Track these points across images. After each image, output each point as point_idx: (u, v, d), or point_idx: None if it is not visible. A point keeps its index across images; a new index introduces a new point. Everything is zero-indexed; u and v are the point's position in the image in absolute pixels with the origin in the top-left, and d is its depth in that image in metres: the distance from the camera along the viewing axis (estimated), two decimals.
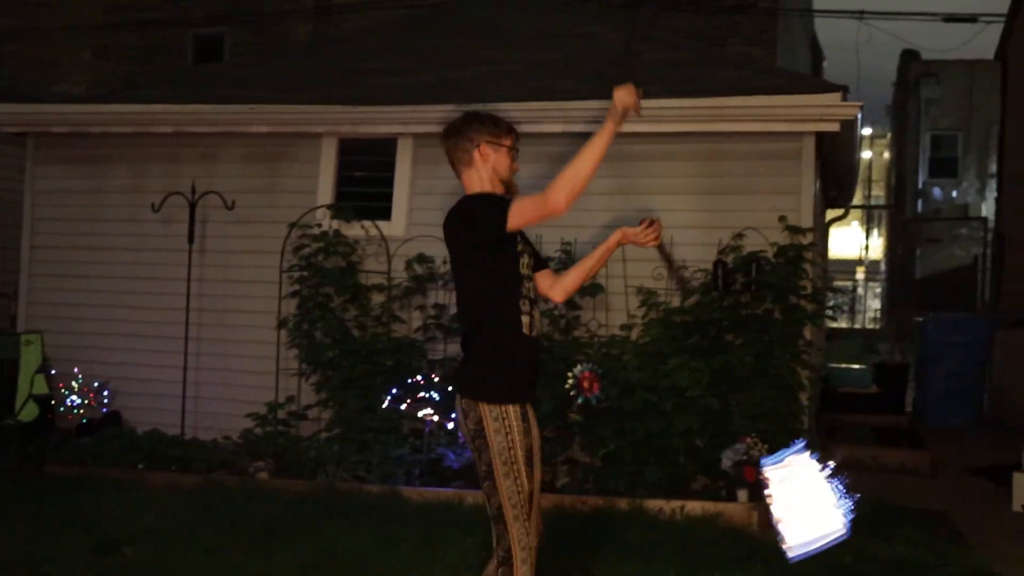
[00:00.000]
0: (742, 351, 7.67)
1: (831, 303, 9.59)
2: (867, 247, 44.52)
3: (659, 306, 8.01)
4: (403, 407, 8.01)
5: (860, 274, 43.68)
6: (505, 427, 3.79)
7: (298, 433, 8.49)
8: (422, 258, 8.57)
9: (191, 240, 8.92)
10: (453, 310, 8.34)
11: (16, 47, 20.40)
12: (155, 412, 9.08)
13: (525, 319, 3.90)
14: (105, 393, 9.26)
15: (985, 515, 7.48)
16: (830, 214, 13.56)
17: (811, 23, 25.65)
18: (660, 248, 4.20)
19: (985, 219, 25.89)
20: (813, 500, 3.83)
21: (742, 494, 7.08)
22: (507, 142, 4.06)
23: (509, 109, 7.37)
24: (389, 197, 8.99)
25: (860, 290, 41.83)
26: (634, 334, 8.07)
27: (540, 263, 4.17)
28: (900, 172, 37.03)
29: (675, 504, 6.99)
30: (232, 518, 6.59)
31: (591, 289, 7.91)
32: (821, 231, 10.94)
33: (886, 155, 45.13)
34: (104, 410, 9.23)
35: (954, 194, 33.77)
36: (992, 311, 15.92)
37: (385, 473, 7.68)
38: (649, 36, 11.01)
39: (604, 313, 8.28)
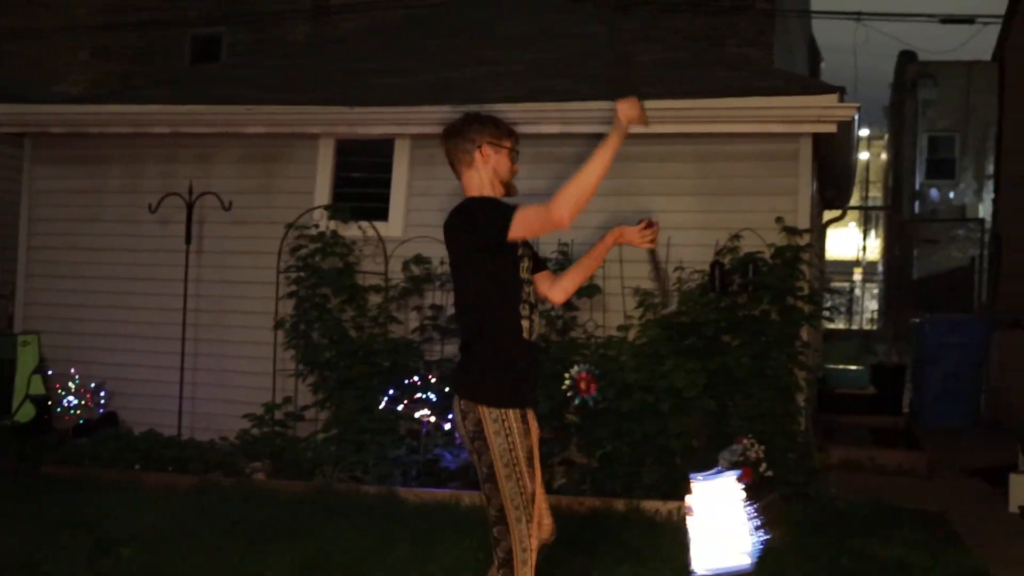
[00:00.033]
0: (739, 352, 7.67)
1: (828, 304, 9.59)
2: (864, 248, 44.57)
3: (656, 307, 8.01)
4: (400, 408, 8.01)
5: (857, 275, 43.71)
6: (505, 429, 3.79)
7: (295, 434, 8.49)
8: (419, 259, 8.57)
9: (188, 241, 8.92)
10: (450, 311, 8.35)
11: (14, 47, 20.39)
12: (152, 413, 9.07)
13: (525, 323, 3.90)
14: (102, 394, 9.26)
15: (982, 516, 7.48)
16: (827, 215, 13.57)
17: (809, 24, 25.67)
18: (653, 252, 4.21)
19: (982, 220, 25.92)
20: (729, 528, 3.90)
21: None
22: (507, 143, 4.06)
23: (507, 110, 7.37)
24: (386, 198, 9.00)
25: (857, 291, 41.85)
26: (631, 335, 8.07)
27: (539, 265, 4.16)
28: (897, 173, 37.05)
29: (672, 505, 6.99)
30: (229, 519, 6.59)
31: (588, 290, 7.91)
32: (818, 232, 10.95)
33: (883, 156, 45.16)
34: (101, 411, 9.22)
35: (951, 195, 33.79)
36: (989, 312, 15.93)
37: (382, 474, 7.68)
38: (649, 36, 11.02)
39: (601, 314, 8.28)
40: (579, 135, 8.39)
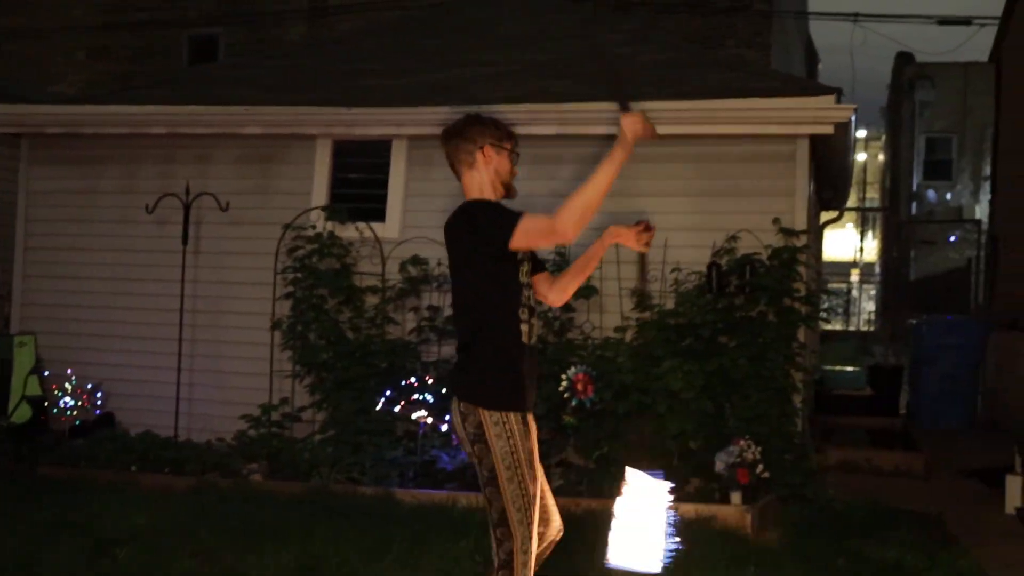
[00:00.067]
0: (736, 353, 7.67)
1: (825, 305, 9.60)
2: (862, 249, 44.62)
3: (653, 308, 8.01)
4: (397, 409, 8.00)
5: (855, 276, 43.75)
6: (506, 431, 3.78)
7: (292, 435, 8.48)
8: (416, 260, 8.57)
9: (185, 241, 8.91)
10: (447, 312, 8.34)
11: (11, 47, 20.37)
12: (149, 414, 9.06)
13: (524, 327, 3.90)
14: (98, 395, 9.25)
15: (978, 517, 7.48)
16: (824, 216, 13.57)
17: (806, 25, 25.68)
18: (644, 255, 4.21)
19: (979, 221, 25.94)
20: (648, 529, 3.99)
21: (735, 496, 7.07)
22: (508, 145, 4.06)
23: (504, 111, 7.36)
24: (383, 199, 9.00)
25: (854, 292, 41.88)
26: (628, 336, 8.07)
27: (538, 266, 4.15)
28: (894, 174, 37.10)
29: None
30: (226, 520, 6.58)
31: (585, 291, 7.91)
32: (815, 233, 10.95)
33: (881, 157, 45.21)
34: (97, 412, 9.22)
35: (948, 196, 33.84)
36: (986, 313, 15.95)
37: (379, 475, 7.68)
38: (646, 37, 11.02)
39: (598, 315, 8.28)
40: (576, 136, 8.39)
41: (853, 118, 8.34)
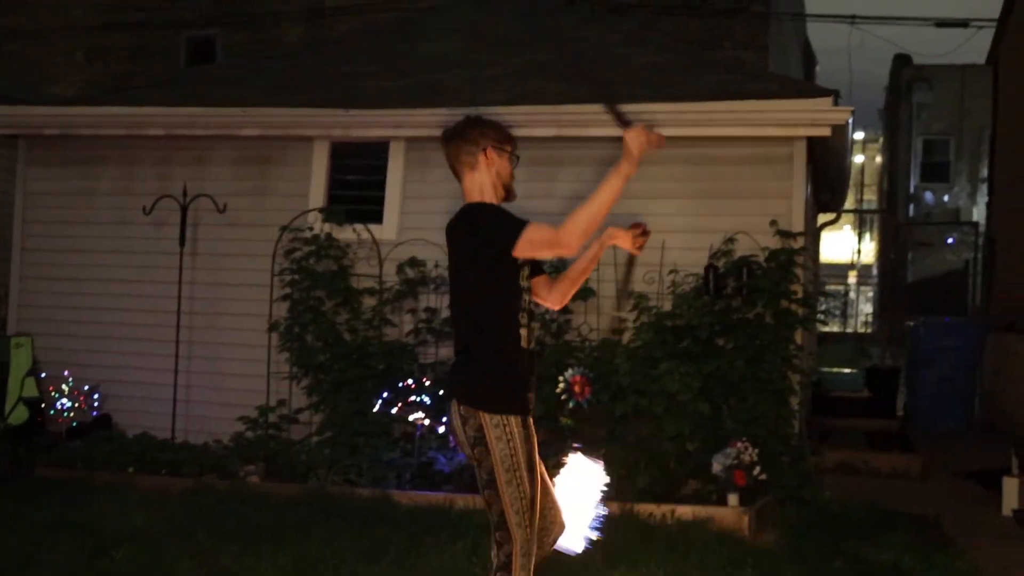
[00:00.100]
0: (733, 355, 7.67)
1: (822, 307, 9.61)
2: (859, 251, 44.62)
3: (651, 310, 8.01)
4: (394, 411, 8.00)
5: (852, 278, 43.74)
6: (507, 434, 3.78)
7: (289, 437, 8.48)
8: (414, 262, 8.57)
9: (182, 243, 8.91)
10: (445, 314, 8.34)
11: (8, 48, 20.36)
12: (146, 415, 9.06)
13: (523, 332, 3.90)
14: (95, 396, 9.24)
15: (975, 519, 7.49)
16: (822, 218, 13.58)
17: (803, 27, 25.70)
18: (634, 257, 4.22)
19: (976, 224, 25.96)
20: (579, 509, 4.16)
21: (733, 498, 7.08)
22: (509, 147, 4.07)
23: (502, 112, 7.37)
24: (381, 200, 9.00)
25: (852, 294, 41.88)
26: (625, 338, 8.07)
27: (537, 269, 4.15)
28: (892, 176, 37.12)
29: (666, 508, 6.99)
30: (223, 522, 6.58)
31: (582, 293, 7.90)
32: (812, 235, 10.96)
33: (878, 159, 45.23)
34: (94, 413, 9.21)
35: (946, 198, 33.86)
36: (983, 315, 15.96)
37: (376, 477, 7.67)
38: (644, 39, 11.02)
39: (595, 317, 8.28)
40: (573, 138, 8.39)
41: (850, 120, 8.35)
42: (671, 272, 8.08)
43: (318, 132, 9.12)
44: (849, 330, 33.29)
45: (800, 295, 7.98)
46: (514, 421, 3.80)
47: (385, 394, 8.05)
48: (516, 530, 3.78)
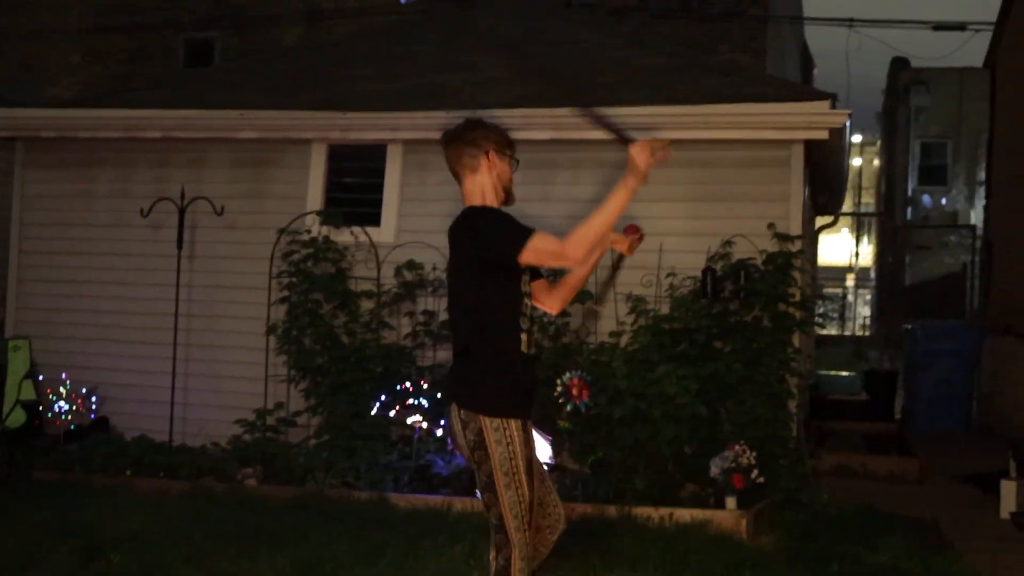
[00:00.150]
0: (731, 359, 7.68)
1: (820, 310, 9.61)
2: (857, 254, 44.65)
3: (648, 313, 8.02)
4: (392, 414, 8.00)
5: (850, 281, 43.80)
6: (507, 438, 3.78)
7: (287, 440, 8.48)
8: (411, 265, 8.57)
9: (180, 246, 8.90)
10: (442, 317, 8.34)
11: (5, 50, 20.36)
12: (144, 418, 9.05)
13: (523, 336, 3.90)
14: (93, 399, 9.23)
15: (973, 522, 7.48)
16: (819, 221, 13.58)
17: (801, 31, 25.73)
18: (623, 258, 4.24)
19: (974, 227, 25.97)
20: None
21: (730, 501, 7.08)
22: (509, 151, 4.07)
23: (500, 115, 7.37)
24: (379, 203, 8.99)
25: (850, 297, 41.93)
26: (623, 341, 8.07)
27: (536, 273, 4.15)
28: (890, 179, 37.17)
29: (664, 511, 6.99)
30: (220, 525, 6.57)
31: (580, 296, 7.89)
32: (810, 238, 10.96)
33: (876, 162, 45.29)
34: (92, 416, 9.20)
35: (943, 201, 33.89)
36: (981, 318, 15.96)
37: (373, 480, 7.67)
38: (642, 42, 11.03)
39: (594, 320, 8.27)
40: (570, 141, 8.39)
41: (848, 123, 8.35)
42: (669, 275, 8.08)
43: (316, 135, 9.12)
44: (847, 333, 33.35)
45: (798, 298, 7.98)
46: (514, 425, 3.80)
47: (383, 397, 8.05)
48: (514, 534, 3.78)
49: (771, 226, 7.97)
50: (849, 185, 20.59)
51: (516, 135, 4.22)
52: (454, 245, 3.93)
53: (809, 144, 8.23)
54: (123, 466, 8.15)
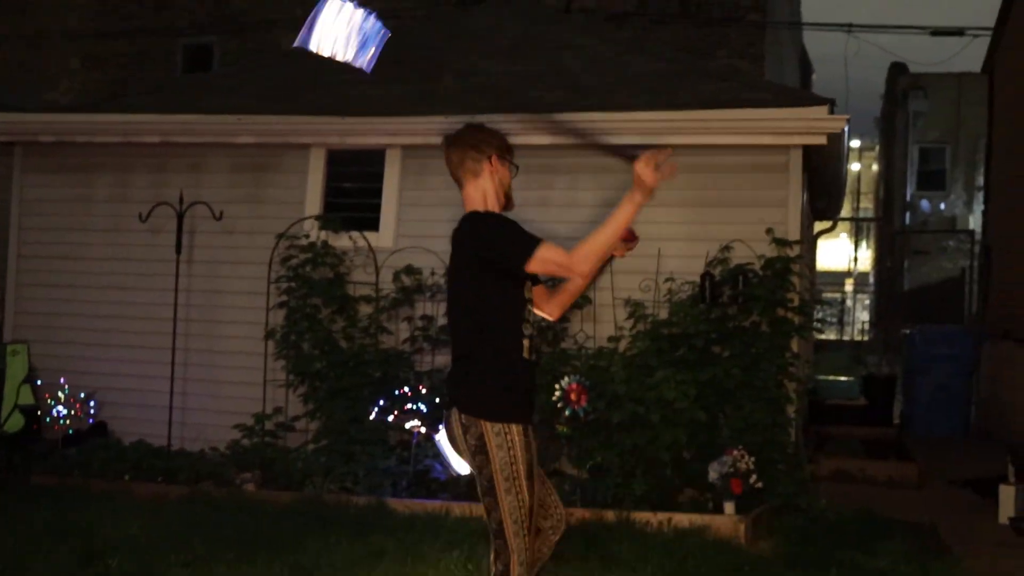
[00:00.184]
0: (729, 363, 7.68)
1: (819, 315, 9.61)
2: (855, 259, 44.65)
3: (647, 318, 8.02)
4: (390, 419, 8.00)
5: (849, 286, 43.78)
6: (507, 442, 3.78)
7: (285, 444, 8.48)
8: (410, 269, 8.57)
9: (179, 250, 8.89)
10: (441, 321, 8.34)
11: (4, 54, 20.36)
12: (142, 423, 9.04)
13: (525, 342, 3.91)
14: (92, 404, 9.22)
15: (972, 527, 7.48)
16: (818, 226, 13.59)
17: (800, 36, 25.75)
18: (609, 261, 4.26)
19: (972, 232, 25.99)
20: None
21: (729, 506, 7.08)
22: (509, 156, 4.08)
23: (498, 120, 7.37)
24: (377, 208, 9.00)
25: (848, 302, 41.92)
26: (622, 346, 8.07)
27: (535, 279, 4.16)
28: (888, 184, 37.19)
29: (662, 516, 6.99)
30: (218, 529, 6.57)
31: (579, 301, 7.91)
32: (809, 243, 10.97)
33: (875, 167, 45.32)
34: (91, 421, 9.19)
35: (942, 206, 33.91)
36: (979, 323, 15.97)
37: (372, 485, 7.67)
38: (642, 48, 11.03)
39: (592, 325, 8.28)
40: (569, 146, 8.37)
41: (846, 128, 8.36)
42: (667, 280, 8.09)
43: (314, 140, 9.12)
44: (846, 338, 33.33)
45: (796, 303, 7.98)
46: (515, 430, 3.80)
47: (381, 402, 8.05)
48: (513, 539, 3.78)
49: (769, 231, 7.98)
50: (848, 190, 20.61)
51: (514, 140, 4.22)
52: (458, 249, 3.92)
53: (807, 149, 8.23)
54: (121, 471, 8.15)
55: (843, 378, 14.01)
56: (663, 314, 8.02)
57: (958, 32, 19.23)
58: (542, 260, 3.76)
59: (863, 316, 41.20)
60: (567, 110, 8.45)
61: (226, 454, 8.45)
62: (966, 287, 19.33)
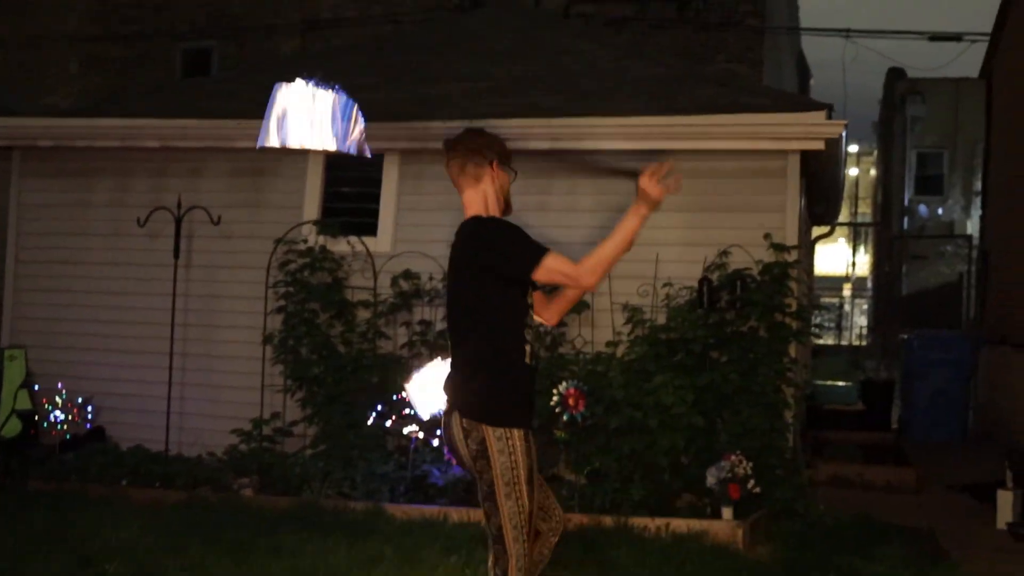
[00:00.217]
0: (727, 368, 7.68)
1: (817, 320, 9.62)
2: (853, 264, 44.69)
3: (645, 323, 8.02)
4: (388, 424, 7.99)
5: (847, 291, 43.82)
6: (509, 447, 3.78)
7: (283, 449, 8.47)
8: (408, 274, 8.57)
9: (177, 255, 8.89)
10: (439, 326, 8.34)
11: (2, 58, 20.36)
12: (140, 428, 9.03)
13: (527, 348, 3.91)
14: (89, 409, 9.22)
15: (970, 532, 7.48)
16: (816, 231, 13.61)
17: (798, 41, 25.76)
18: None
19: (970, 237, 26.00)
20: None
21: (727, 511, 7.08)
22: (509, 161, 4.09)
23: (496, 125, 7.37)
24: (375, 213, 8.99)
25: (846, 307, 41.95)
26: (620, 351, 8.07)
27: (534, 285, 4.16)
28: (886, 189, 37.21)
29: (660, 521, 6.99)
30: (215, 535, 6.56)
31: (577, 306, 7.91)
32: (807, 248, 10.98)
33: (873, 172, 45.34)
34: (88, 426, 9.18)
35: (940, 211, 33.93)
36: (977, 328, 15.98)
37: (370, 490, 7.66)
38: (642, 53, 11.04)
39: (590, 330, 8.28)
40: (568, 151, 8.40)
41: (844, 133, 8.36)
42: (665, 285, 8.09)
43: None
44: (844, 343, 33.35)
45: (794, 308, 7.98)
46: (517, 435, 3.80)
47: (379, 407, 8.05)
48: (512, 544, 3.78)
49: (767, 236, 7.98)
50: (846, 195, 20.63)
51: (513, 145, 4.24)
52: (462, 254, 3.91)
53: (805, 154, 8.24)
54: (119, 476, 8.14)
55: (841, 383, 14.02)
56: (661, 319, 8.02)
57: (956, 37, 19.26)
58: (548, 270, 3.78)
59: (861, 321, 41.23)
60: (565, 115, 8.47)
61: (224, 459, 8.44)
62: (964, 292, 19.34)
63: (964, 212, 33.31)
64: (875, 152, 43.52)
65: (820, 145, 8.10)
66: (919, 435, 12.32)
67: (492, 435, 3.78)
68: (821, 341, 21.80)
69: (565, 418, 7.58)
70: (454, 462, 6.70)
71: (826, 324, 31.17)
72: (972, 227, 30.17)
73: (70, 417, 9.08)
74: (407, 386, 4.42)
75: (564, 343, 8.25)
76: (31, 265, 9.80)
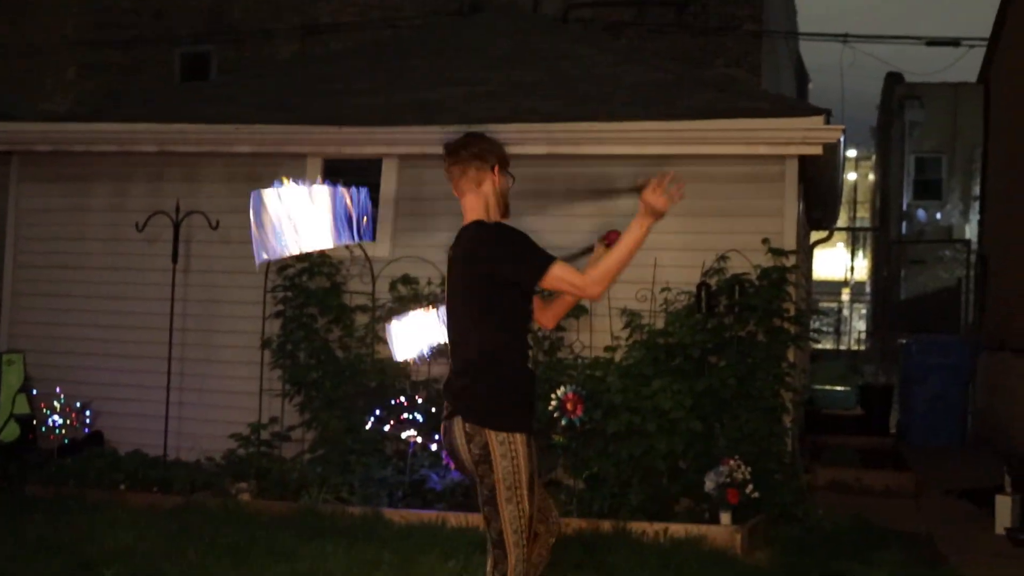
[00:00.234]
0: (725, 373, 7.68)
1: (815, 325, 9.62)
2: (852, 268, 44.70)
3: (643, 328, 8.02)
4: (386, 428, 7.99)
5: (845, 295, 43.84)
6: (511, 452, 3.78)
7: (281, 454, 8.47)
8: (407, 279, 8.57)
9: (175, 260, 8.89)
10: None
11: (1, 64, 20.36)
12: (138, 432, 9.03)
13: (529, 352, 3.93)
14: (87, 413, 9.21)
15: (968, 537, 7.47)
16: (814, 236, 13.61)
17: (796, 45, 25.78)
18: (589, 248, 4.30)
19: (968, 241, 26.02)
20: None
21: (725, 516, 7.07)
22: (507, 166, 4.09)
23: (494, 129, 7.37)
24: (374, 218, 8.99)
25: (845, 312, 41.96)
26: (618, 356, 8.07)
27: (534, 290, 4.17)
28: (885, 194, 37.21)
29: (658, 526, 6.98)
30: (213, 539, 6.55)
31: (575, 311, 7.91)
32: (805, 253, 10.98)
33: (871, 177, 45.35)
34: (86, 430, 9.18)
35: (938, 216, 33.93)
36: (976, 333, 15.98)
37: (368, 494, 7.65)
38: (640, 58, 11.05)
39: (588, 334, 8.28)
40: (565, 156, 8.40)
41: (842, 138, 8.37)
42: (663, 290, 8.09)
43: (311, 149, 9.12)
44: (842, 347, 33.33)
45: (792, 313, 7.99)
46: (519, 439, 3.81)
47: (377, 411, 8.05)
48: (512, 549, 3.78)
49: (766, 241, 7.99)
50: (844, 200, 20.66)
51: (511, 150, 4.24)
52: (466, 258, 3.90)
53: (804, 159, 8.25)
54: (117, 480, 8.13)
55: (839, 388, 14.00)
56: (659, 324, 8.02)
57: (954, 42, 19.27)
58: (555, 278, 3.79)
59: (860, 326, 41.24)
60: (564, 120, 8.47)
61: (222, 464, 8.43)
62: (962, 297, 19.34)
63: (963, 217, 33.32)
64: (873, 157, 43.53)
65: (818, 150, 8.11)
66: (918, 440, 12.31)
67: (495, 439, 3.78)
68: (819, 346, 21.79)
69: (563, 422, 7.58)
70: (453, 467, 6.71)
71: (824, 329, 31.13)
72: (971, 232, 30.17)
73: (68, 421, 9.07)
74: (388, 326, 4.55)
75: (563, 348, 8.25)
76: (30, 270, 9.81)
